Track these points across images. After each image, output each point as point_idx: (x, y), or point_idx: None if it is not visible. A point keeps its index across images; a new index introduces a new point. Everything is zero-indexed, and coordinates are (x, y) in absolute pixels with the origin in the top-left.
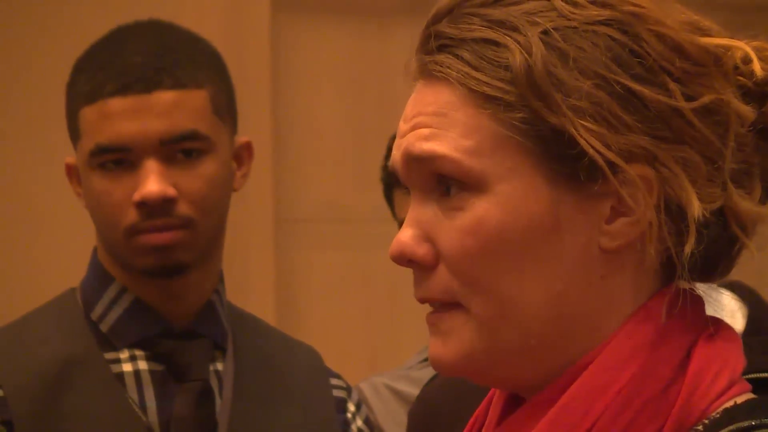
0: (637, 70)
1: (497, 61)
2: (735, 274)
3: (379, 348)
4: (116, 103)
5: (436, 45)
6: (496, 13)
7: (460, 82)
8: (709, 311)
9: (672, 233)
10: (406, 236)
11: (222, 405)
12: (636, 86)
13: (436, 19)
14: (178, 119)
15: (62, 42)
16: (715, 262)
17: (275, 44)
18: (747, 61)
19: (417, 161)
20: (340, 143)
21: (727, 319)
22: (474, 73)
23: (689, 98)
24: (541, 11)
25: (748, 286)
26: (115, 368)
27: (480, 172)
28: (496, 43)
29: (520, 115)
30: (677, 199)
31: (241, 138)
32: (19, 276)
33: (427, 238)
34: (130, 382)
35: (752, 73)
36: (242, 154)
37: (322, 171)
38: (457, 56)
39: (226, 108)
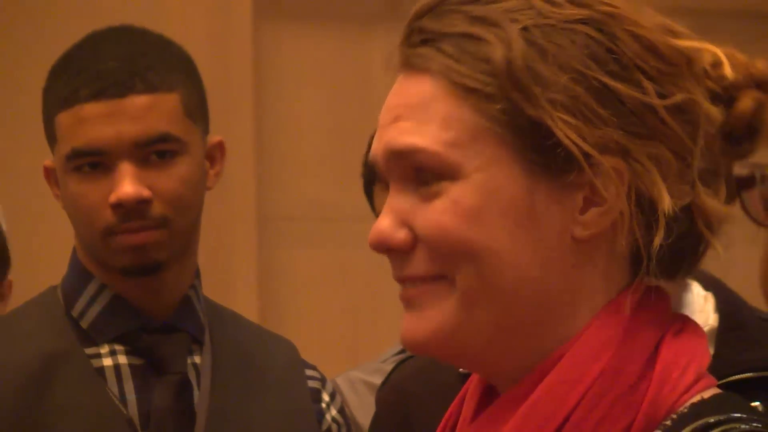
0: (613, 67)
1: (478, 55)
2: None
3: (360, 343)
4: (91, 108)
5: (418, 39)
6: (478, 10)
7: (442, 74)
8: (678, 309)
9: (642, 226)
10: (384, 224)
11: (200, 397)
12: (611, 82)
13: (419, 15)
14: (151, 122)
15: (52, 46)
16: (681, 259)
17: (258, 49)
18: (717, 64)
19: (398, 155)
20: (322, 144)
21: (697, 315)
22: (455, 66)
23: (662, 96)
24: (521, 9)
25: (713, 276)
26: (95, 363)
27: (458, 163)
28: (478, 38)
29: (500, 106)
30: (648, 194)
31: (214, 138)
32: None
33: (405, 224)
34: (110, 376)
35: (722, 76)
36: (215, 154)
37: (303, 171)
38: (439, 49)
39: (197, 109)
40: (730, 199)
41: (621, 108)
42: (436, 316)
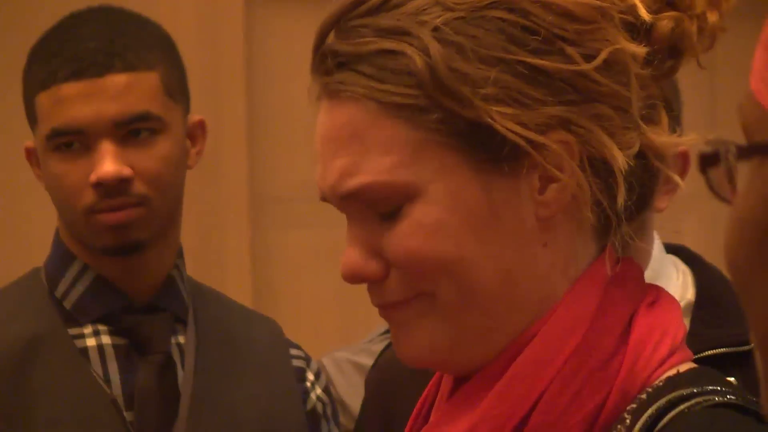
0: (533, 45)
1: (399, 69)
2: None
3: (352, 323)
4: (70, 88)
5: (333, 64)
6: (383, 20)
7: (368, 97)
8: (663, 284)
9: (602, 190)
10: (354, 257)
11: (184, 376)
12: (536, 60)
13: (323, 34)
14: (130, 101)
15: (38, 26)
16: (643, 203)
17: (249, 30)
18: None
19: (347, 197)
20: (314, 125)
21: (674, 289)
22: (380, 86)
23: (588, 57)
24: (425, 9)
25: (693, 251)
26: (79, 343)
27: (409, 182)
28: (393, 52)
29: (435, 116)
30: (600, 155)
31: (194, 117)
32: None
33: (374, 253)
34: (94, 357)
35: (633, 6)
36: (196, 133)
37: (296, 152)
38: (358, 72)
39: (177, 88)
40: (675, 124)
41: (552, 82)
42: (425, 334)
